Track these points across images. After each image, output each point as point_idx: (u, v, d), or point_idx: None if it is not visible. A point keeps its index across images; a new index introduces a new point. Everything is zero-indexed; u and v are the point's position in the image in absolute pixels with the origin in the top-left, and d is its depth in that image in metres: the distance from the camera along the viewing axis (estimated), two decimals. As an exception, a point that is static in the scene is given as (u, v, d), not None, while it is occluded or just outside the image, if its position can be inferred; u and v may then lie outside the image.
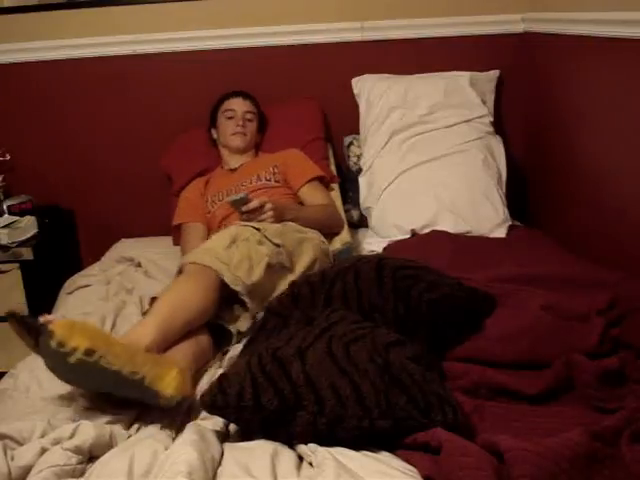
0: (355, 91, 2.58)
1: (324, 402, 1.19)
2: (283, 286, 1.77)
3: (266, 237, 1.85)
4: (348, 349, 1.28)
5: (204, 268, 1.67)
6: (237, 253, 1.74)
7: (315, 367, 1.24)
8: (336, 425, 1.19)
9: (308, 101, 2.59)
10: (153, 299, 1.78)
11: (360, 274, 1.58)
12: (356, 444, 1.20)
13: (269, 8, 2.57)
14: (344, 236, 2.30)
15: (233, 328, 1.71)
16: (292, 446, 1.23)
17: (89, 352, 1.26)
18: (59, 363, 1.27)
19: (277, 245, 1.85)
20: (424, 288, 1.53)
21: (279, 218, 2.01)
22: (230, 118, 2.41)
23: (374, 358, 1.27)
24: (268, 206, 1.99)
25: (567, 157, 2.31)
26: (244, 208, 1.98)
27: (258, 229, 1.86)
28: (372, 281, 1.55)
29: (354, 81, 2.58)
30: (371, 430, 1.19)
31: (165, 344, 1.50)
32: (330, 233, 2.25)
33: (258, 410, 1.20)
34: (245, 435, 1.28)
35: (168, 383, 1.28)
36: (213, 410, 1.24)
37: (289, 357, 1.26)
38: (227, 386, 1.23)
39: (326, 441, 1.20)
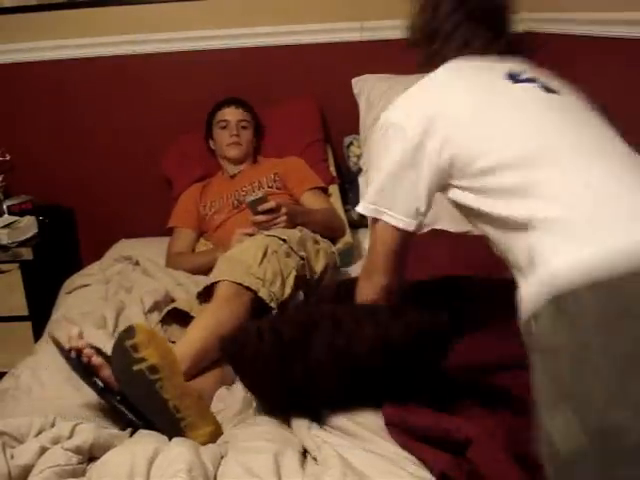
0: (355, 91, 2.57)
1: (341, 321, 1.26)
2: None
3: (292, 249, 1.86)
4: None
5: (240, 290, 1.66)
6: (269, 268, 1.74)
7: (332, 305, 1.33)
8: (353, 340, 1.24)
9: (306, 102, 2.58)
10: (169, 311, 1.80)
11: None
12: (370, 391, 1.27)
13: (269, 8, 2.57)
14: (345, 237, 2.32)
15: None
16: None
17: (153, 369, 1.28)
18: (123, 362, 1.29)
19: (301, 257, 1.87)
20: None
21: (291, 222, 2.02)
22: (224, 128, 2.40)
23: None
24: (283, 210, 2.00)
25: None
26: (260, 208, 1.98)
27: (284, 240, 1.87)
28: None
29: (354, 81, 2.58)
30: (386, 340, 1.24)
31: (196, 372, 1.52)
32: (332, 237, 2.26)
33: (277, 341, 1.25)
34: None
35: (199, 435, 1.30)
36: (232, 347, 1.31)
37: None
38: (247, 326, 1.33)
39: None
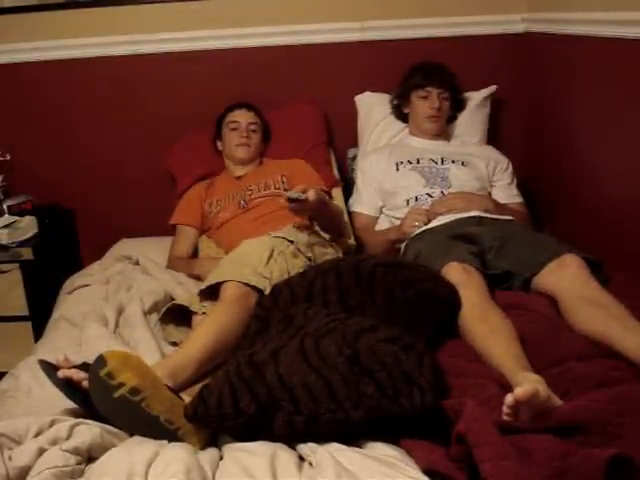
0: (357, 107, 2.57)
1: (298, 401, 1.22)
2: None
3: (299, 250, 1.86)
4: (318, 345, 1.30)
5: (247, 291, 1.67)
6: (276, 267, 1.75)
7: (288, 367, 1.26)
8: (312, 421, 1.22)
9: (310, 105, 2.58)
10: (167, 310, 1.80)
11: (341, 275, 1.59)
12: (349, 438, 1.22)
13: (269, 8, 2.57)
14: (350, 239, 2.31)
15: None
16: (293, 446, 1.24)
17: (134, 391, 1.27)
18: (102, 393, 1.28)
19: (308, 259, 1.87)
20: (402, 285, 1.55)
21: (317, 208, 1.96)
22: (234, 129, 2.42)
23: (342, 350, 1.28)
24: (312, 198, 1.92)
25: (567, 156, 2.30)
26: (293, 204, 1.89)
27: (292, 241, 1.87)
28: (352, 281, 1.57)
29: (357, 98, 2.58)
30: (347, 422, 1.21)
31: (202, 374, 1.52)
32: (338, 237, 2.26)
33: (238, 416, 1.23)
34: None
35: (199, 439, 1.30)
36: (195, 420, 1.27)
37: (264, 360, 1.29)
38: (207, 396, 1.26)
39: (322, 438, 1.21)
